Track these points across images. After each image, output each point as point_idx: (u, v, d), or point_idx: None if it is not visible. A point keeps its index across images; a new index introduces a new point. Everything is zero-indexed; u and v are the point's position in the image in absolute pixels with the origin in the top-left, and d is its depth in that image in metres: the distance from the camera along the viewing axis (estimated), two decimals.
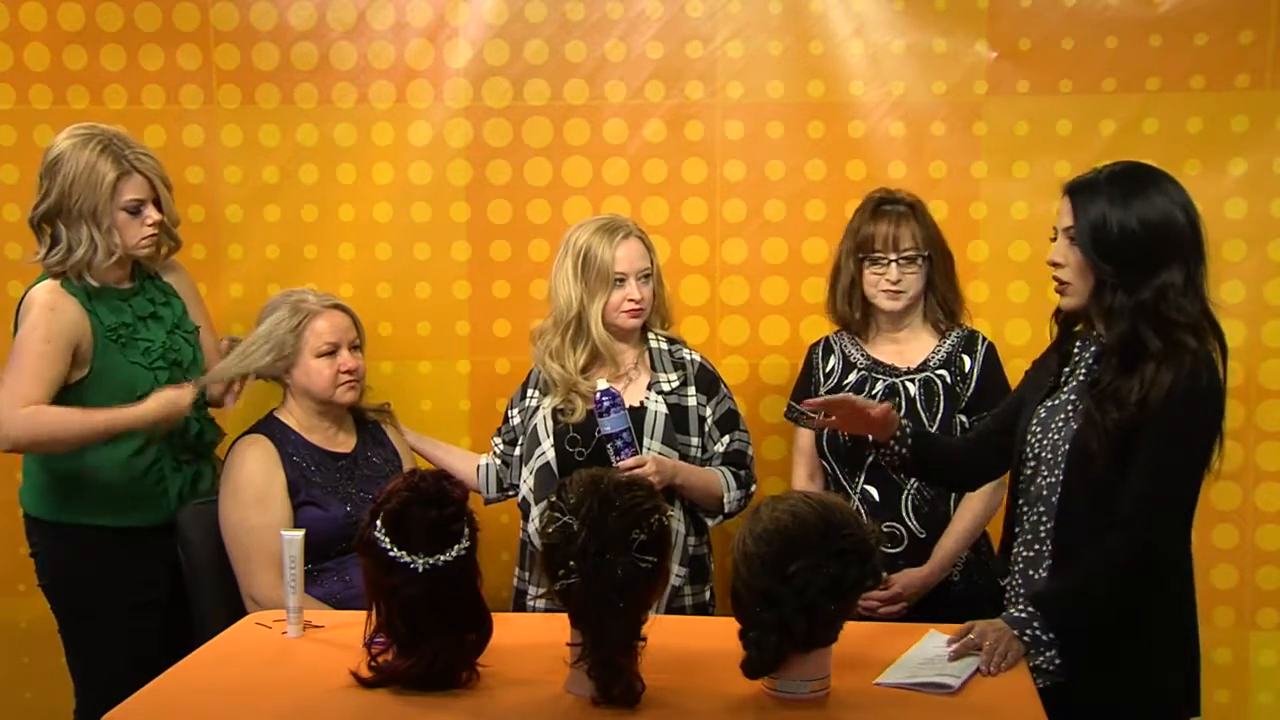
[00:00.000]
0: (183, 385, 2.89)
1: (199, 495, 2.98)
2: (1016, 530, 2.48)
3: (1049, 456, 2.41)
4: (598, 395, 2.79)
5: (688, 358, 3.00)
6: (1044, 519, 2.42)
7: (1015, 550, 2.48)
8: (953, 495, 2.95)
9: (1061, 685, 2.31)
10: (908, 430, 2.59)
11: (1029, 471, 2.46)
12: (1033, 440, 2.45)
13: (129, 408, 2.83)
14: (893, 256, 2.92)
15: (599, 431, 2.81)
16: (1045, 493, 2.42)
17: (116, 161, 2.84)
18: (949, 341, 3.00)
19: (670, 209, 3.47)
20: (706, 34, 3.43)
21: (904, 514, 2.94)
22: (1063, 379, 2.45)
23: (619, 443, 2.77)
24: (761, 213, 3.46)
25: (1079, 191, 2.36)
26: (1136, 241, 2.28)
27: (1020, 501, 2.48)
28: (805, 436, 3.08)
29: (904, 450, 2.58)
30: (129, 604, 2.91)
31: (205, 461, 3.05)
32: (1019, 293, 3.41)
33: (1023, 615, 2.28)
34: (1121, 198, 2.30)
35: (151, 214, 2.89)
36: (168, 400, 2.85)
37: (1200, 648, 2.41)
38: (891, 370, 2.99)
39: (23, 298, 2.91)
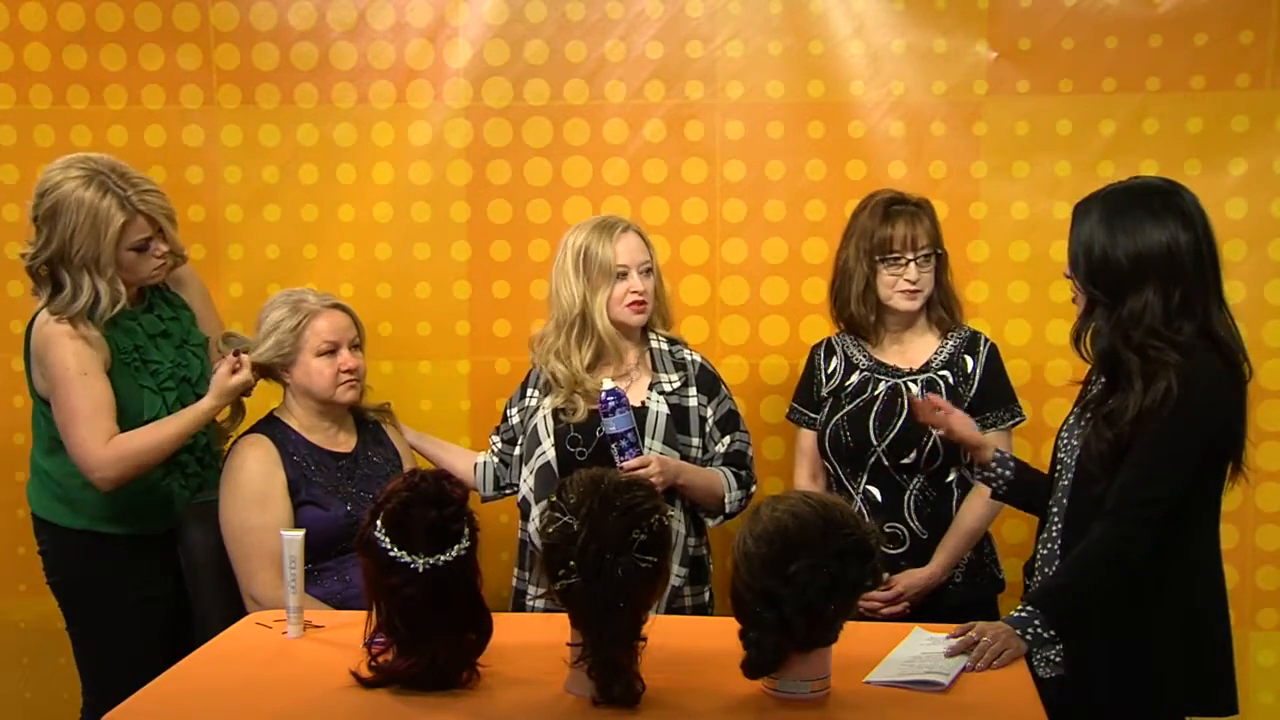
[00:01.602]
0: (228, 362, 2.86)
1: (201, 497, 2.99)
2: (1043, 529, 2.52)
3: (1068, 461, 2.47)
4: (603, 395, 2.78)
5: (688, 358, 3.00)
6: (1056, 519, 2.48)
7: (1036, 549, 2.53)
8: (955, 496, 2.96)
9: (1065, 679, 2.33)
10: (1008, 458, 2.66)
11: (1056, 474, 2.51)
12: (1061, 444, 2.51)
13: (193, 406, 2.85)
14: (911, 256, 2.92)
15: (601, 431, 2.81)
16: (1060, 494, 2.48)
17: (120, 207, 2.77)
18: (951, 342, 3.00)
19: (670, 209, 3.47)
20: (706, 34, 3.43)
21: (907, 515, 2.94)
22: (1090, 387, 2.48)
23: (623, 443, 2.76)
24: (761, 213, 3.46)
25: (1076, 211, 2.41)
26: (1114, 266, 2.32)
27: (1050, 502, 2.51)
28: (807, 438, 3.08)
29: (1006, 472, 2.64)
30: (136, 601, 2.92)
31: (211, 469, 3.05)
32: (1019, 293, 3.41)
33: (1024, 615, 2.29)
34: (1107, 221, 2.34)
35: (159, 247, 2.86)
36: (228, 388, 2.84)
37: (1230, 647, 2.41)
38: (894, 371, 2.99)
39: (29, 331, 2.86)
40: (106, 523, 2.91)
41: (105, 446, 2.77)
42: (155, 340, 2.95)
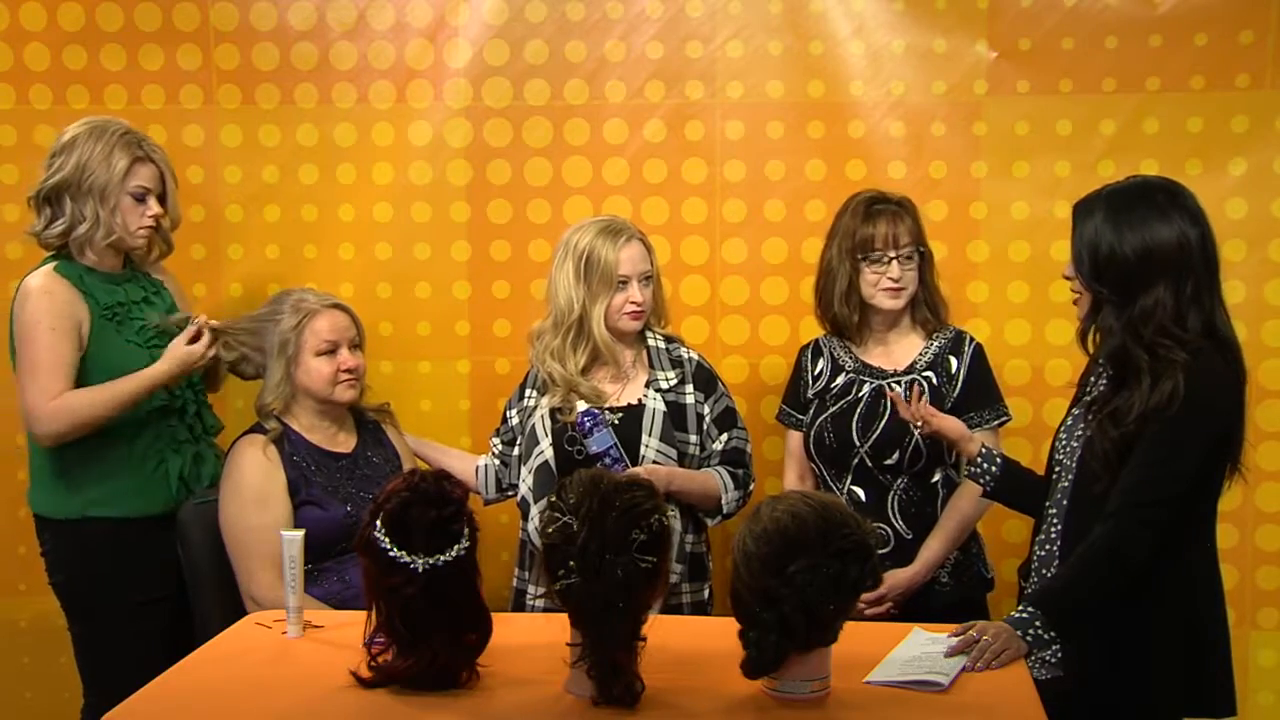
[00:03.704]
0: (189, 331, 2.92)
1: (202, 479, 2.99)
2: (1040, 530, 2.52)
3: (1068, 463, 2.47)
4: (580, 418, 2.82)
5: (685, 356, 3.00)
6: (1055, 521, 2.47)
7: (1033, 550, 2.53)
8: (940, 497, 2.96)
9: (1063, 680, 2.34)
10: (995, 454, 2.66)
11: (1055, 475, 2.51)
12: (1059, 445, 2.51)
13: (146, 370, 2.88)
14: (893, 254, 2.92)
15: (583, 449, 2.83)
16: (1059, 495, 2.48)
17: (134, 147, 2.92)
18: (936, 343, 3.00)
19: (670, 209, 3.47)
20: (706, 34, 3.43)
21: (891, 515, 2.93)
22: (1088, 388, 2.48)
23: (607, 460, 2.79)
24: (761, 213, 3.46)
25: (1077, 210, 2.42)
26: (1123, 263, 2.32)
27: (1047, 503, 2.51)
28: (795, 439, 3.08)
29: (993, 468, 2.64)
30: (138, 601, 2.93)
31: (206, 445, 3.06)
32: (1019, 293, 3.41)
33: (1024, 616, 2.29)
34: (1112, 218, 2.34)
35: (153, 206, 2.95)
36: (181, 354, 2.88)
37: (1229, 649, 2.41)
38: (879, 372, 2.98)
39: (16, 291, 2.92)
40: (103, 505, 2.91)
41: (52, 402, 2.82)
42: (139, 304, 2.99)
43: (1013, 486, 2.65)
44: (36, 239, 2.95)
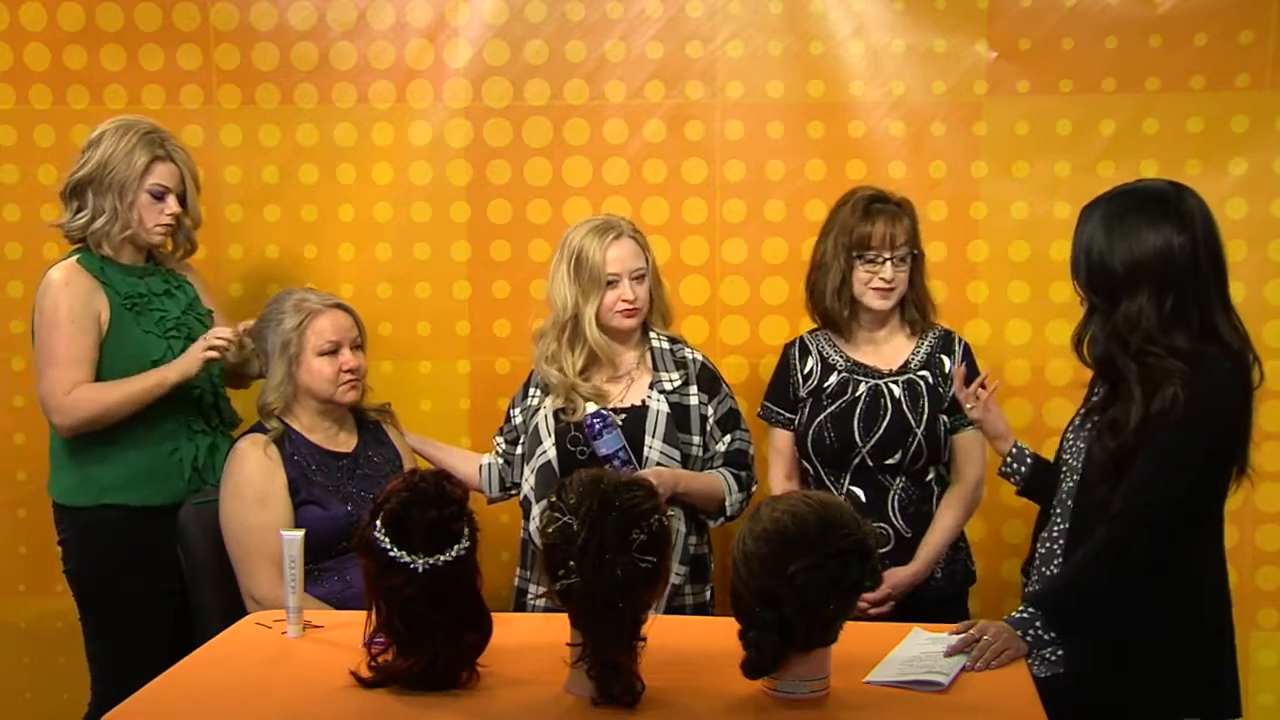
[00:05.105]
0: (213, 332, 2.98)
1: (216, 470, 2.99)
2: (1043, 527, 2.53)
3: (1073, 464, 2.47)
4: (589, 420, 2.81)
5: (689, 356, 3.00)
6: (1059, 520, 2.48)
7: (1035, 548, 2.53)
8: (935, 494, 2.96)
9: (1064, 678, 2.34)
10: (1025, 453, 2.65)
11: (1061, 475, 2.51)
12: (1066, 445, 2.51)
13: (159, 369, 2.93)
14: (888, 255, 2.92)
15: (586, 450, 2.83)
16: (1064, 495, 2.48)
17: (155, 146, 2.98)
18: (927, 342, 3.00)
19: (670, 209, 3.47)
20: (706, 34, 3.43)
21: (891, 515, 2.94)
22: (1096, 389, 2.48)
23: (616, 462, 2.78)
24: (761, 213, 3.46)
25: (1082, 213, 2.41)
26: (1111, 271, 2.32)
27: (1053, 502, 2.51)
28: (782, 437, 3.07)
29: (1022, 468, 2.63)
30: (149, 593, 2.94)
31: (222, 436, 3.08)
32: (1019, 293, 3.41)
33: (1024, 616, 2.29)
34: (1105, 225, 2.34)
35: (171, 204, 3.00)
36: (192, 358, 2.93)
37: (1234, 651, 2.41)
38: (874, 372, 2.98)
39: (41, 282, 2.97)
40: (118, 491, 2.94)
41: (70, 394, 2.89)
42: (160, 297, 3.04)
43: (1043, 485, 2.62)
44: (62, 231, 3.00)
